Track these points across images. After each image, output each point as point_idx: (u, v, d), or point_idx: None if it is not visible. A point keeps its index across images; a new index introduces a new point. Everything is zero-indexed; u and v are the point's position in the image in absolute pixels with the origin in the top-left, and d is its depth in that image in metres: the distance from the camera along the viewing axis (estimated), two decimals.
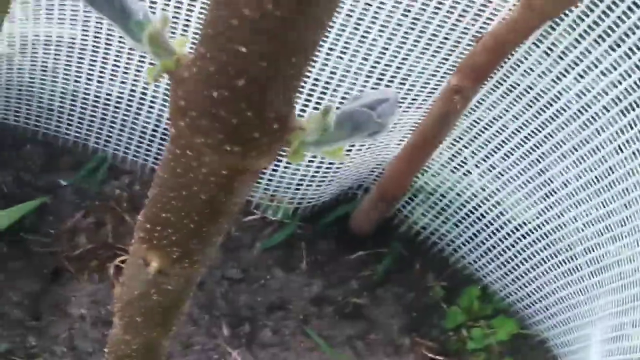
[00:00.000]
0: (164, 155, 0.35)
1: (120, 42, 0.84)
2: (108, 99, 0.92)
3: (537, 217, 0.85)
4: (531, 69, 0.79)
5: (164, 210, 0.36)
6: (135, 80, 0.90)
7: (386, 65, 0.82)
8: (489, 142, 0.86)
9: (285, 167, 0.92)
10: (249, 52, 0.23)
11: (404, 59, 0.81)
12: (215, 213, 0.35)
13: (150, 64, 0.46)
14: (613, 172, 0.78)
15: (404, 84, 0.84)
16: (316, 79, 0.83)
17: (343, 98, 0.85)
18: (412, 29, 0.81)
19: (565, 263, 0.85)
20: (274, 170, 0.93)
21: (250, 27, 0.22)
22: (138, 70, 0.87)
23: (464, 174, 0.87)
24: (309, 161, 0.94)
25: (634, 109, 0.74)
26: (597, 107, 0.77)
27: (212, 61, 0.24)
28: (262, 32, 0.22)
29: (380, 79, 0.83)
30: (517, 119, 0.83)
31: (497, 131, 0.86)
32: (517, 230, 0.89)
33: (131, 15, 0.32)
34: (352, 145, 0.90)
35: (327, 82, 0.84)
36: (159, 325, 0.50)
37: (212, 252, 0.42)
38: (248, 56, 0.23)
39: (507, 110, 0.84)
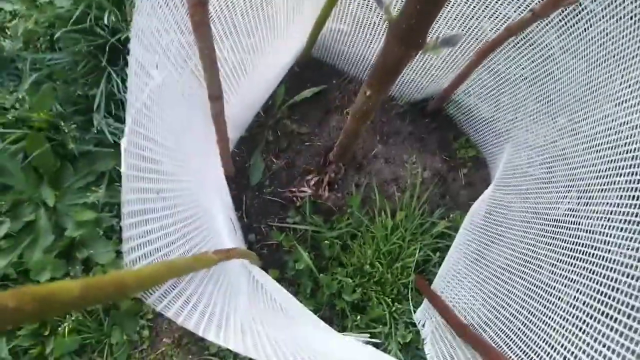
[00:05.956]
0: (380, 49, 0.90)
1: None
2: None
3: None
4: None
5: (376, 70, 0.99)
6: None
7: None
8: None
9: (409, 82, 1.99)
10: (420, 11, 0.75)
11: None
12: (395, 71, 0.97)
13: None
14: None
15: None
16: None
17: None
18: None
19: None
20: (405, 82, 1.98)
21: (416, 10, 0.72)
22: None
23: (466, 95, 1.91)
24: (412, 82, 1.96)
25: None
26: None
27: (402, 14, 0.78)
28: (428, 2, 0.71)
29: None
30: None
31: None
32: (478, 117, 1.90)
33: (382, 1, 0.85)
34: (432, 80, 1.91)
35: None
36: (364, 119, 1.30)
37: (388, 91, 1.25)
38: (417, 13, 0.76)
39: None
